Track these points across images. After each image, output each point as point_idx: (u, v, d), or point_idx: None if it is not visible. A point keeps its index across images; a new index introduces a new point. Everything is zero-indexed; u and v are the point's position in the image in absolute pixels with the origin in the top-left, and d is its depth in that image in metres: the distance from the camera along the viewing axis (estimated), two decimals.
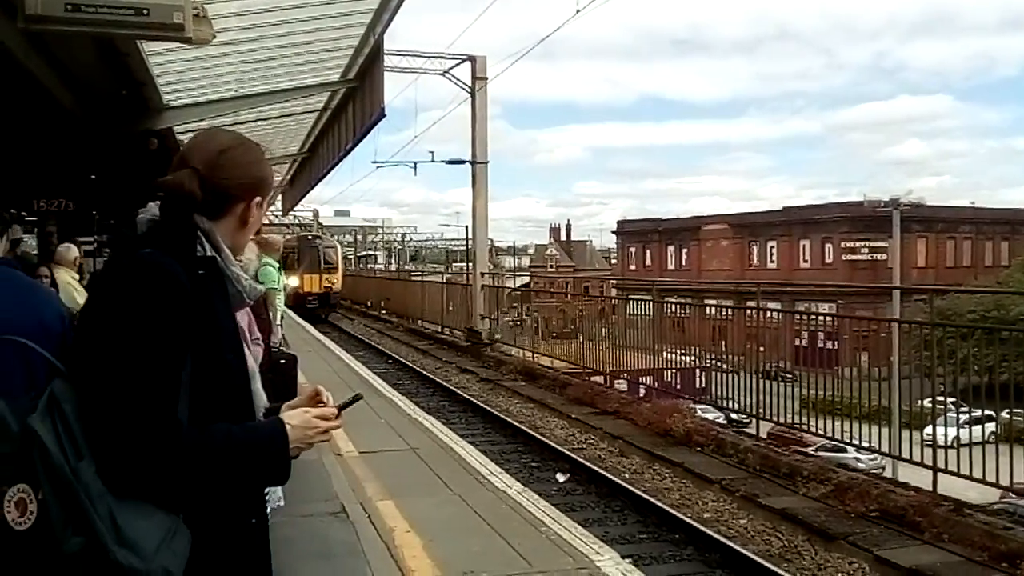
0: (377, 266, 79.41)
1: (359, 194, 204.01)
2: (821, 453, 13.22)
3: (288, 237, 36.26)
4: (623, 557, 5.56)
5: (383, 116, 12.62)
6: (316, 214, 55.08)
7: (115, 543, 1.54)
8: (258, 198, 1.95)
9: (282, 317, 9.57)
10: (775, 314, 14.38)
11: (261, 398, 1.97)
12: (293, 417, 1.88)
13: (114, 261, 1.80)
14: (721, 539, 8.23)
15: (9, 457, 1.52)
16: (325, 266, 35.15)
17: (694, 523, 8.70)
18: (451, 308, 27.54)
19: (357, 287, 43.72)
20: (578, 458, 11.37)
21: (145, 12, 5.27)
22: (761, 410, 12.03)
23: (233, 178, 1.89)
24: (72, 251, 8.82)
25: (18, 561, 1.51)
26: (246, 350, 1.95)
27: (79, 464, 1.55)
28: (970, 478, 8.47)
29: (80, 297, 7.69)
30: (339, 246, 41.85)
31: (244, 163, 1.92)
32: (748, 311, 14.17)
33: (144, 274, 1.71)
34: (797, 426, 11.88)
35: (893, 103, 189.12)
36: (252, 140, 2.01)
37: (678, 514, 8.99)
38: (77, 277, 8.46)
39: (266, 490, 2.03)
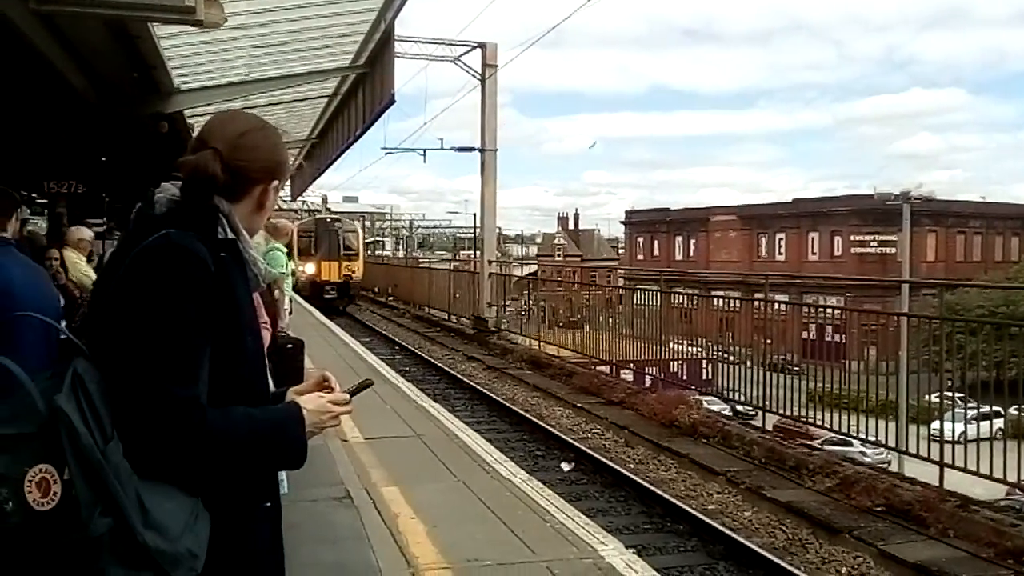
0: (385, 252, 79.45)
1: (368, 180, 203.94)
2: (827, 447, 13.21)
3: (304, 220, 34.98)
4: (627, 547, 5.56)
5: (393, 102, 12.61)
6: (324, 200, 55.09)
7: (143, 525, 1.54)
8: (275, 181, 1.96)
9: (290, 302, 9.59)
10: (782, 306, 14.35)
11: (269, 385, 1.98)
12: (308, 402, 1.90)
13: (136, 241, 1.76)
14: (725, 531, 8.23)
15: (32, 436, 1.50)
16: (345, 252, 32.61)
17: (698, 514, 8.70)
18: (458, 296, 27.57)
19: (364, 273, 43.57)
20: (583, 447, 11.37)
21: None
22: (767, 403, 12.03)
23: (253, 160, 1.88)
24: (81, 232, 8.85)
25: (38, 543, 1.49)
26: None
27: (107, 445, 1.54)
28: (977, 474, 8.45)
29: (88, 279, 7.72)
30: (360, 231, 38.70)
31: (264, 146, 1.92)
32: (755, 303, 14.13)
33: (172, 255, 1.70)
34: (803, 419, 11.87)
35: (904, 96, 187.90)
36: (271, 124, 2.01)
37: (683, 505, 8.99)
38: (85, 259, 8.49)
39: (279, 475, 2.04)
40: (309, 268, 30.49)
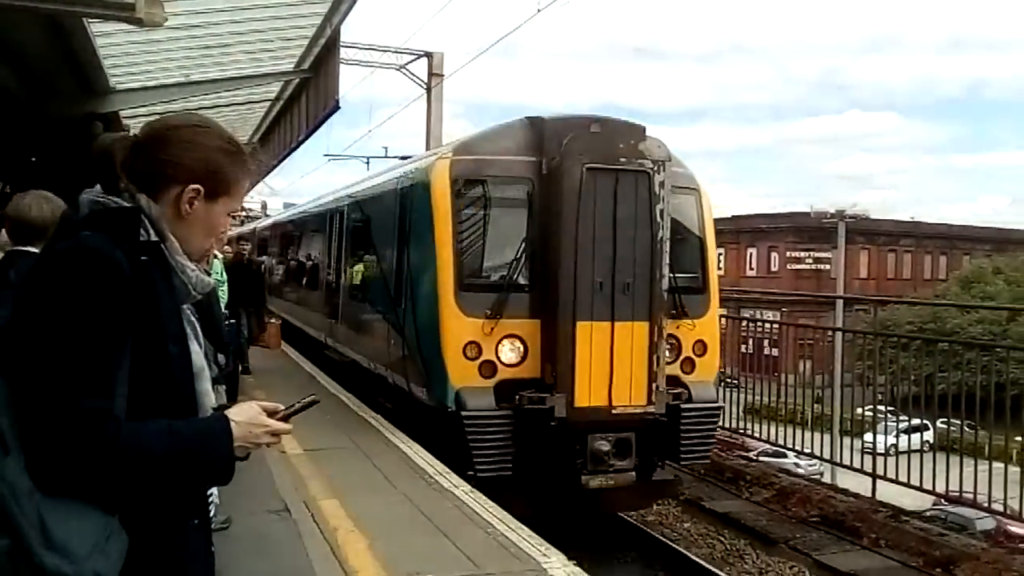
0: None
1: (311, 187, 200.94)
2: (762, 458, 13.41)
3: (471, 140, 9.57)
4: (569, 559, 5.54)
5: (337, 108, 12.43)
6: (264, 206, 54.05)
7: (41, 545, 1.45)
8: (197, 187, 1.79)
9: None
10: (722, 320, 14.52)
11: (209, 397, 1.86)
12: (239, 413, 1.77)
13: (52, 245, 1.69)
14: (665, 541, 8.30)
15: None
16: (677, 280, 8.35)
17: (639, 525, 8.74)
18: None
19: None
20: None
21: None
22: None
23: (172, 156, 1.78)
24: (4, 236, 8.53)
25: None
26: (194, 346, 1.84)
27: (5, 460, 1.46)
28: (907, 485, 8.67)
29: None
30: (703, 190, 9.24)
31: (192, 144, 1.80)
32: None
33: (81, 258, 1.61)
34: (740, 431, 12.03)
35: (842, 118, 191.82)
36: (227, 133, 1.88)
37: (623, 516, 9.02)
38: None
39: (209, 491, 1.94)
40: (507, 353, 8.04)
